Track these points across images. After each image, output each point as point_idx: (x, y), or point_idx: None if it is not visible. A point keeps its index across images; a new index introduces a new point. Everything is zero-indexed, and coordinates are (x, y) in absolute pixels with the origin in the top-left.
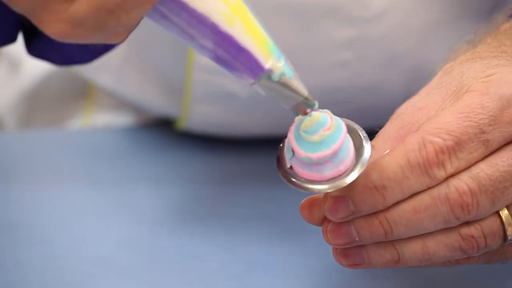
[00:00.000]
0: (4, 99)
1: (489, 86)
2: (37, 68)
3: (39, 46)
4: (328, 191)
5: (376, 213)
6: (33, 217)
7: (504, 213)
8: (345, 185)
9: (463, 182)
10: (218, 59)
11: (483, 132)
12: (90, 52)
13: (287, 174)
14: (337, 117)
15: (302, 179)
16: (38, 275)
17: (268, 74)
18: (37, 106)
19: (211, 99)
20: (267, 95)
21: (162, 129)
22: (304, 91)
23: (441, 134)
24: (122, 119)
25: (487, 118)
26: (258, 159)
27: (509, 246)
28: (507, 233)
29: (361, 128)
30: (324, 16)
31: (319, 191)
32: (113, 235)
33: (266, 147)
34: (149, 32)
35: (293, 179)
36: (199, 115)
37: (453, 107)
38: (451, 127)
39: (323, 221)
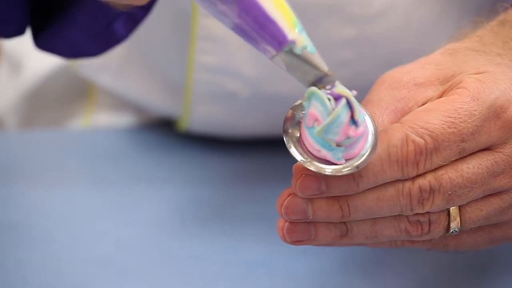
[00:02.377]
0: (5, 99)
1: (481, 90)
2: (38, 68)
3: (47, 38)
4: (309, 168)
5: (338, 196)
6: (33, 217)
7: (453, 207)
8: (325, 173)
9: (426, 180)
10: (239, 29)
11: (463, 141)
12: (99, 45)
13: (288, 128)
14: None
15: (295, 141)
16: (39, 275)
17: (290, 46)
18: (38, 106)
19: (211, 99)
20: (286, 69)
21: (163, 129)
22: (325, 67)
23: (424, 135)
24: (123, 120)
25: (471, 128)
26: (259, 160)
27: (452, 239)
28: (450, 226)
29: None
30: (324, 15)
31: (302, 163)
32: (114, 235)
33: (267, 147)
34: (149, 32)
35: (288, 138)
36: (199, 115)
37: (443, 107)
38: (435, 131)
39: (281, 193)
